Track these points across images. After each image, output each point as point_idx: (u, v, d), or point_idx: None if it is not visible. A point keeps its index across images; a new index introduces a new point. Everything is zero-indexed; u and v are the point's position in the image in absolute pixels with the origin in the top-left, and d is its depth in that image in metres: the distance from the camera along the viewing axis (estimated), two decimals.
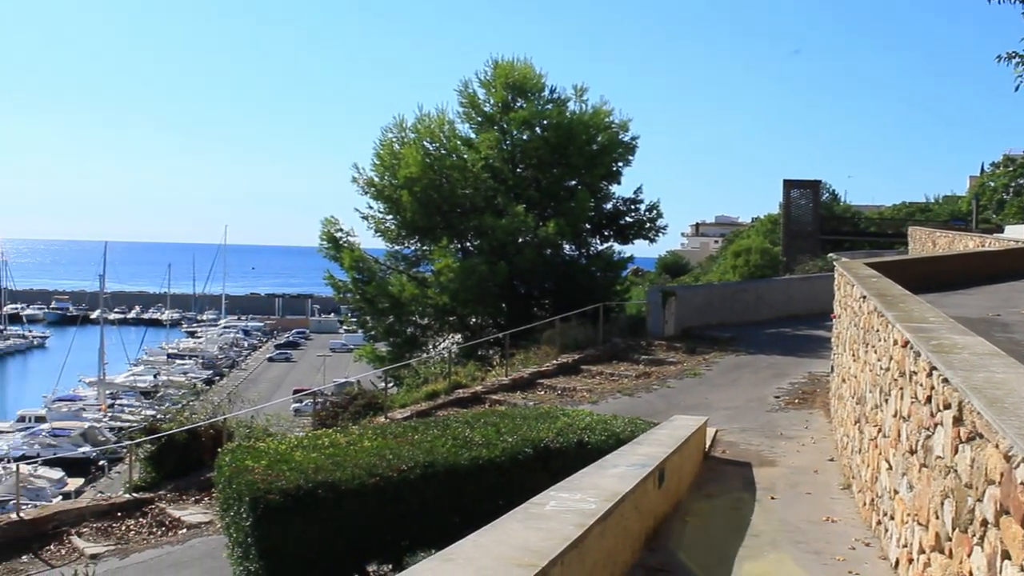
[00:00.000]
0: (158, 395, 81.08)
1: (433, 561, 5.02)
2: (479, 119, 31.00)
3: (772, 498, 10.80)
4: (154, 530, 15.53)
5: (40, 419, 69.51)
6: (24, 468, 52.67)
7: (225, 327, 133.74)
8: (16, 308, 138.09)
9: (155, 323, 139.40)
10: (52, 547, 15.04)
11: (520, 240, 28.65)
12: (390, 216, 30.53)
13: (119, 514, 16.16)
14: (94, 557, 14.03)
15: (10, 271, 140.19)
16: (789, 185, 53.23)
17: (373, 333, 31.69)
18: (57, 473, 53.92)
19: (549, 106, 30.43)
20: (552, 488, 7.20)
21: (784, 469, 12.42)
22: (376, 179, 30.30)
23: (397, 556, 10.30)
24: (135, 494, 16.96)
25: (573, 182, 30.74)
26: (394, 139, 30.40)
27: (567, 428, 12.07)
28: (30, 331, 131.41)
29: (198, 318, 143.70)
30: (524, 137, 30.23)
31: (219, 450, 12.37)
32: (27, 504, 20.11)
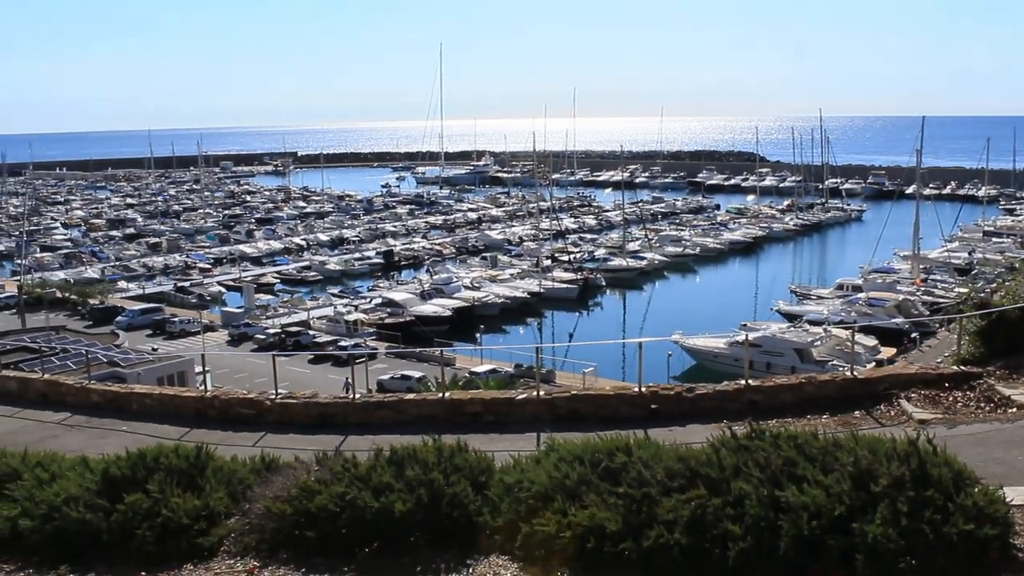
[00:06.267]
0: (972, 273, 79.20)
1: None
2: None
3: None
4: (981, 405, 15.27)
5: (856, 288, 72.81)
6: (841, 333, 55.98)
7: None
8: (836, 183, 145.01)
9: (971, 199, 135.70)
10: (881, 407, 15.62)
11: None
12: None
13: (946, 385, 16.15)
14: (922, 422, 14.31)
15: (831, 147, 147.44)
16: None
17: None
18: (871, 341, 56.24)
19: None
20: None
21: None
22: None
23: None
24: (962, 367, 16.83)
25: None
26: None
27: None
28: (848, 204, 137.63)
29: (1017, 195, 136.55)
30: None
31: None
32: (844, 367, 20.97)
